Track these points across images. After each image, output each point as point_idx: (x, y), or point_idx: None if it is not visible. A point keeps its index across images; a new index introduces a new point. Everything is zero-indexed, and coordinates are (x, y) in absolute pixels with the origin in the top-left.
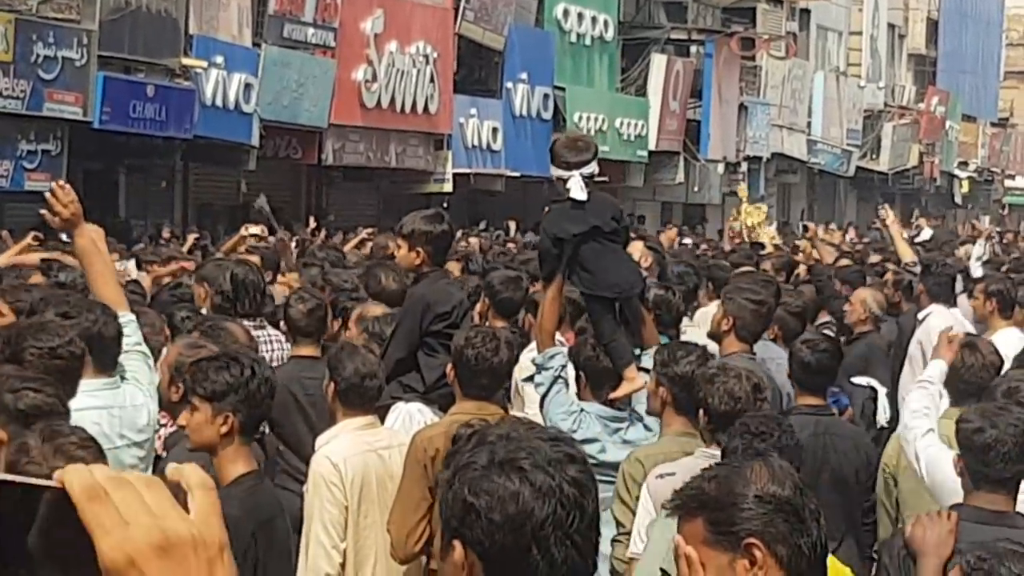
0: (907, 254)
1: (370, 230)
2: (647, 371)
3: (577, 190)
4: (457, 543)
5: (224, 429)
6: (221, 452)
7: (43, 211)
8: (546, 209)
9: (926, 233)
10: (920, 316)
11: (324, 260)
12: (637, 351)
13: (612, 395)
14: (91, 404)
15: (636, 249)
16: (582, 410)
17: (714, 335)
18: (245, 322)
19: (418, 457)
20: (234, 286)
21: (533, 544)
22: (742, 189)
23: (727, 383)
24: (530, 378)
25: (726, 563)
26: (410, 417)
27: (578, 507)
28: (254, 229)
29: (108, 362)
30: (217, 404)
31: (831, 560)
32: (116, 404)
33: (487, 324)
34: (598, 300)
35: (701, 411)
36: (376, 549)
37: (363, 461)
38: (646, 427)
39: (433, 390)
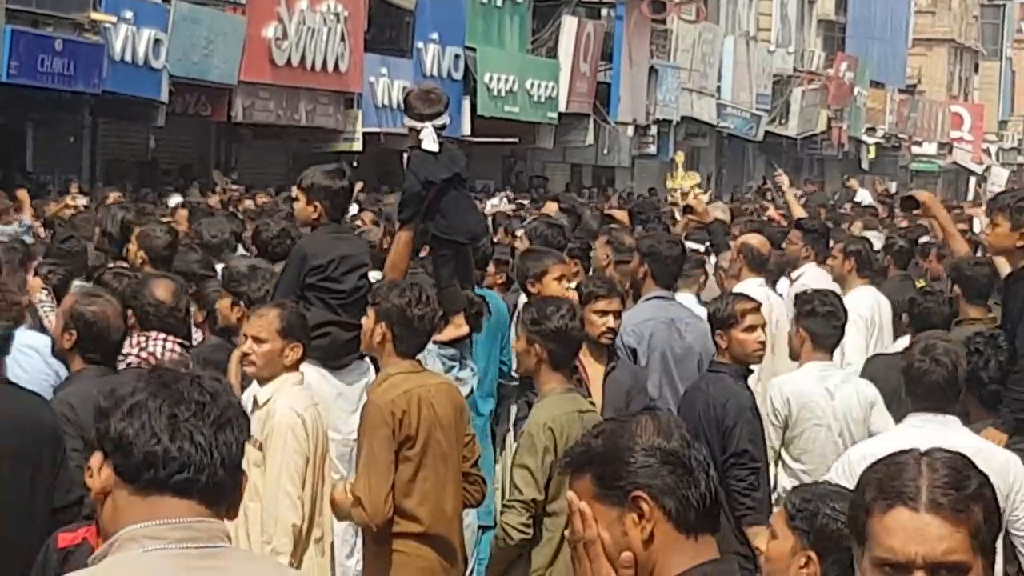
0: (801, 214)
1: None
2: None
3: (430, 141)
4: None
5: None
6: None
7: None
8: (406, 155)
9: (863, 194)
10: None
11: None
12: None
13: (437, 337)
14: None
15: (550, 210)
16: None
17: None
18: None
19: (385, 420)
20: (122, 231)
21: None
22: (680, 156)
23: None
24: None
25: (615, 517)
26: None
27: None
28: (81, 200)
29: None
30: None
31: None
32: None
33: None
34: (449, 245)
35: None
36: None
37: (315, 414)
38: (471, 369)
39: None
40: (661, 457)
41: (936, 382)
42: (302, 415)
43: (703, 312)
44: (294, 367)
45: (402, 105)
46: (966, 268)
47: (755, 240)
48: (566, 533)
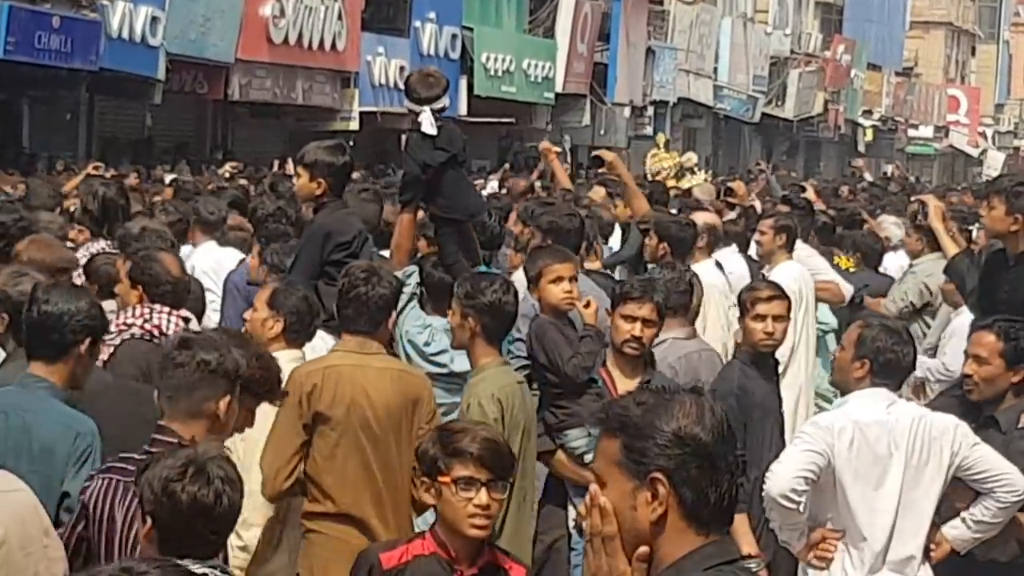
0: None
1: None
2: None
3: (428, 125)
4: None
5: None
6: None
7: None
8: (404, 138)
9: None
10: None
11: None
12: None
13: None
14: None
15: (598, 195)
16: (430, 325)
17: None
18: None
19: (294, 391)
20: (102, 206)
21: None
22: (661, 137)
23: None
24: None
25: (630, 489)
26: (312, 346)
27: None
28: (103, 168)
29: None
30: None
31: None
32: None
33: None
34: (450, 223)
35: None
36: None
37: None
38: None
39: (333, 318)
40: (691, 447)
41: (902, 362)
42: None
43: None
44: (279, 340)
45: (402, 87)
46: (675, 229)
47: (711, 219)
48: (584, 525)
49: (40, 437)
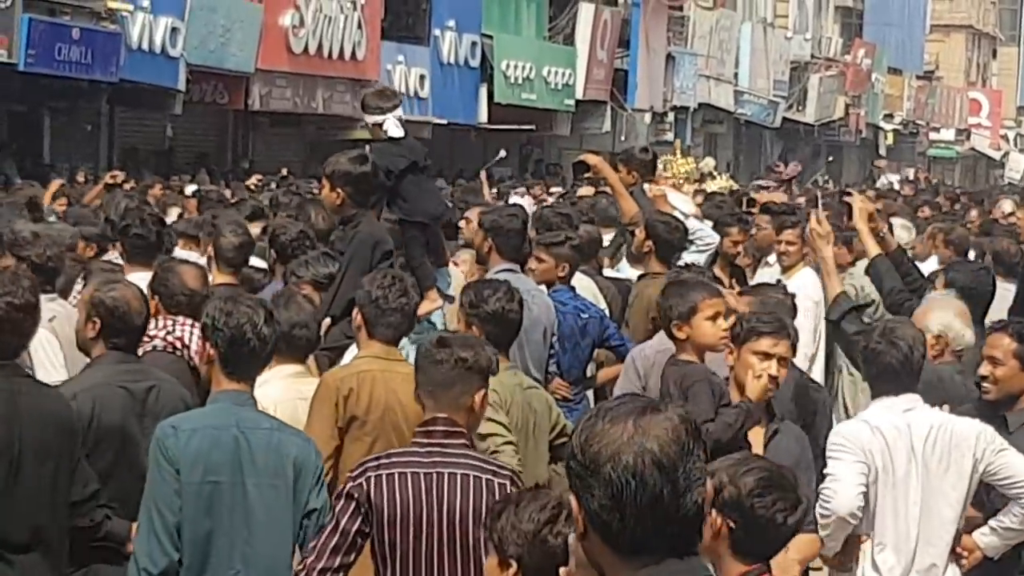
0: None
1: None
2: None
3: (394, 129)
4: None
5: None
6: None
7: None
8: (368, 148)
9: (891, 179)
10: None
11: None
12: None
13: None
14: None
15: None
16: None
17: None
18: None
19: (329, 395)
20: (124, 218)
21: None
22: (678, 144)
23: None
24: None
25: (575, 500)
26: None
27: None
28: (121, 177)
29: None
30: None
31: None
32: None
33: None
34: (413, 226)
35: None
36: None
37: (293, 408)
38: None
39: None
40: (592, 472)
41: (890, 364)
42: (266, 408)
43: None
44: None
45: (420, 95)
46: (662, 229)
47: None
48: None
49: (291, 455)
